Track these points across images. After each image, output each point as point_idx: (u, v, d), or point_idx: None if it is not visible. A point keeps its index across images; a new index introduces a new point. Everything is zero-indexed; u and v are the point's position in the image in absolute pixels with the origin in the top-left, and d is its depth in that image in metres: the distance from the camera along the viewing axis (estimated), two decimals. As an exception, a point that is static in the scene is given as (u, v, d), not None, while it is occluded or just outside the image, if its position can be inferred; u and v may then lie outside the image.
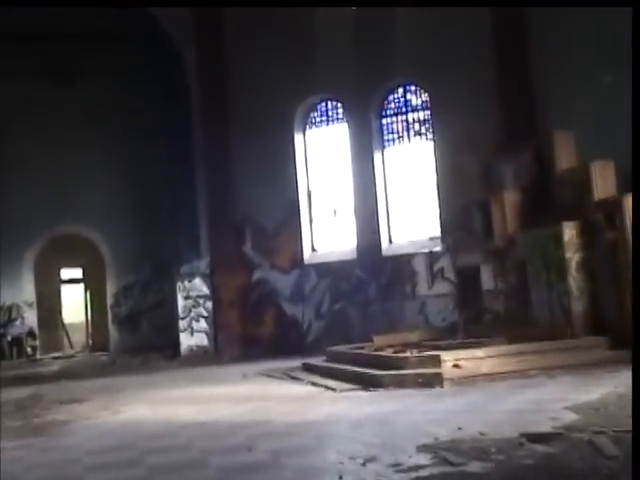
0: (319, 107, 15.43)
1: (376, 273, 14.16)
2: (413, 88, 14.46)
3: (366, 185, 14.45)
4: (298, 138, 15.32)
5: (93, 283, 19.52)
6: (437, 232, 13.78)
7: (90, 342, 19.64)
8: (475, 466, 4.32)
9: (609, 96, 11.16)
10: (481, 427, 5.32)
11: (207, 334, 15.41)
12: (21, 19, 15.88)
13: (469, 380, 7.78)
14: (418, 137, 14.44)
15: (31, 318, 18.65)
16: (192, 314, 15.47)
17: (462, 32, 13.15)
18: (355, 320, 14.26)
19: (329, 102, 15.33)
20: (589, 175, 9.45)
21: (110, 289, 18.82)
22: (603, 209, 9.14)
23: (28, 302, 18.63)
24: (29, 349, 18.49)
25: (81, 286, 20.08)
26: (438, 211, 13.84)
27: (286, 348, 13.74)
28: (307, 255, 15.12)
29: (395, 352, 9.33)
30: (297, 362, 11.13)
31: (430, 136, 14.19)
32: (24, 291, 18.59)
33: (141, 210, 18.08)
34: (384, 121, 14.64)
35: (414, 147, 14.47)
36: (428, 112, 14.24)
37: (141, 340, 17.52)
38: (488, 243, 10.81)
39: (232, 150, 15.41)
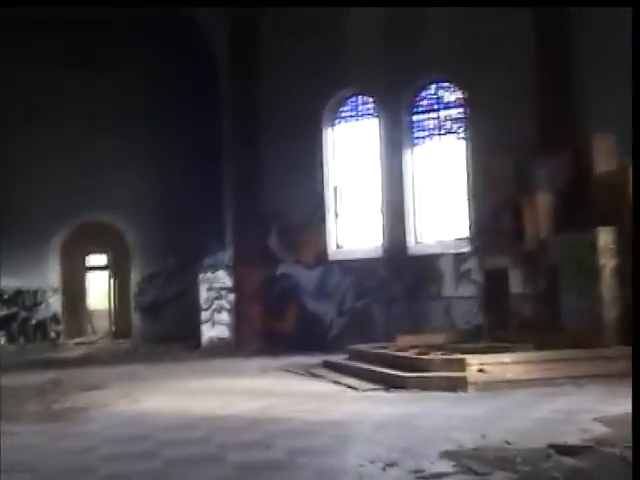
0: (349, 102, 15.27)
1: (401, 272, 13.97)
2: (446, 84, 14.23)
3: (394, 182, 14.27)
4: (327, 133, 15.20)
5: (118, 271, 19.65)
6: (465, 233, 13.57)
7: (113, 329, 19.79)
8: (500, 476, 4.15)
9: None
10: (506, 435, 5.15)
11: (228, 326, 15.40)
12: (53, 8, 15.94)
13: (493, 385, 7.60)
14: (449, 135, 14.23)
15: (55, 303, 18.84)
16: (214, 306, 15.47)
17: (501, 32, 12.90)
18: (378, 319, 14.10)
19: (360, 97, 15.17)
20: (627, 179, 9.15)
21: (134, 277, 18.93)
22: (641, 214, 8.86)
23: (53, 287, 18.80)
24: (53, 334, 18.70)
25: (106, 273, 20.24)
26: (467, 212, 13.64)
27: (307, 344, 13.61)
28: (332, 251, 15.00)
29: (419, 353, 9.16)
30: (317, 359, 11.01)
31: (462, 134, 13.97)
32: (49, 276, 18.75)
33: (168, 201, 18.16)
34: (415, 118, 14.44)
35: (445, 145, 14.26)
36: (461, 110, 14.01)
37: (163, 329, 17.58)
38: (518, 246, 10.56)
39: (260, 143, 15.33)
